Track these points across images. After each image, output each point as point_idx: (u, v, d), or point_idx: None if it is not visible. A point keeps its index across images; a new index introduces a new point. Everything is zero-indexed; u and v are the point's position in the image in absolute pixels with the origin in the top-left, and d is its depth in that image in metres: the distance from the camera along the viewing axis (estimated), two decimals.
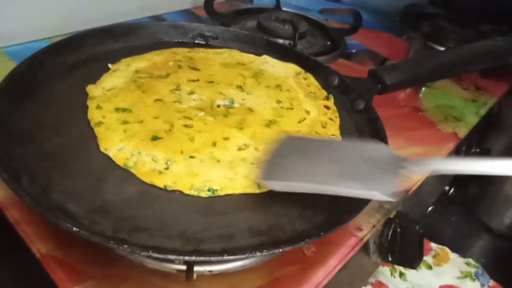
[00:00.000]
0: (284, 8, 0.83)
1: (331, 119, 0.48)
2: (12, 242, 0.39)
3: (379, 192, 0.32)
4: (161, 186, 0.37)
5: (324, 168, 0.36)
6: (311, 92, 0.51)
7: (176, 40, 0.59)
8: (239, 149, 0.41)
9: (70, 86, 0.46)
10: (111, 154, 0.39)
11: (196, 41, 0.60)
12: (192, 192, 0.37)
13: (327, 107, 0.49)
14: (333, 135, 0.45)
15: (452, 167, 0.35)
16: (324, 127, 0.46)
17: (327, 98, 0.51)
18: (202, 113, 0.45)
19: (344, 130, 0.48)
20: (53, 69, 0.47)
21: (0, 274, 0.43)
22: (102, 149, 0.39)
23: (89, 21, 0.60)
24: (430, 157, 0.40)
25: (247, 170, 0.39)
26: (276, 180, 0.36)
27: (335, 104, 0.51)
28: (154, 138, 0.41)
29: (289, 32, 0.72)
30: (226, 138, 0.42)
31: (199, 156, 0.39)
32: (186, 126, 0.43)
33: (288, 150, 0.38)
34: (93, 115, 0.43)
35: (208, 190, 0.37)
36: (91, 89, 0.46)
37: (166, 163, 0.38)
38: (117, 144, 0.40)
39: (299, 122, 0.46)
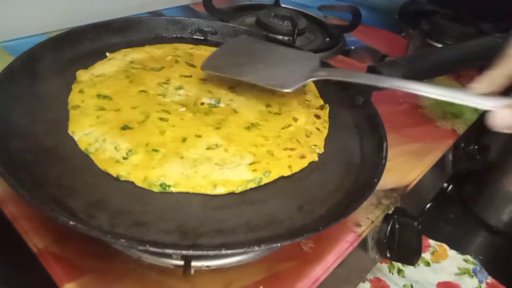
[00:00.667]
0: (283, 5, 0.83)
1: (318, 129, 0.46)
2: (9, 238, 0.39)
3: (285, 88, 0.43)
4: (114, 175, 0.36)
5: (255, 66, 0.45)
6: (306, 100, 0.50)
7: (174, 35, 0.59)
8: (208, 148, 0.40)
9: (68, 81, 0.46)
10: (76, 137, 0.39)
11: (195, 37, 0.60)
12: (143, 185, 0.36)
13: (317, 116, 0.48)
14: (315, 145, 0.44)
15: (348, 78, 0.44)
16: (308, 137, 0.44)
17: (322, 108, 0.49)
18: (183, 109, 0.44)
19: (342, 127, 0.48)
20: (51, 64, 0.47)
21: None
22: (69, 131, 0.39)
23: (88, 17, 0.59)
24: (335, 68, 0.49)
25: (209, 170, 0.38)
26: (212, 71, 0.46)
27: (331, 112, 0.49)
28: (124, 128, 0.40)
29: (288, 29, 0.72)
30: (198, 136, 0.41)
31: (164, 150, 0.39)
32: (161, 119, 0.42)
33: (237, 48, 0.48)
34: (73, 98, 0.43)
35: (161, 185, 0.36)
36: (80, 74, 0.47)
37: (127, 153, 0.38)
38: (85, 129, 0.40)
39: (283, 128, 0.45)
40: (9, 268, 0.43)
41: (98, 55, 0.50)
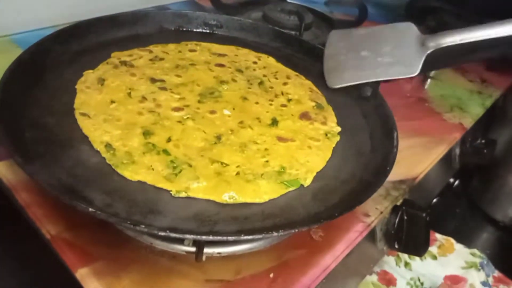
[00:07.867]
0: (289, 0, 0.83)
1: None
2: (18, 231, 0.39)
3: (406, 75, 0.44)
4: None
5: (368, 60, 0.46)
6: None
7: (180, 29, 0.59)
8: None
9: (75, 73, 0.46)
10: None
11: (201, 30, 0.60)
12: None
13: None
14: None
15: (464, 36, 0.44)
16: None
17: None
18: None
19: (351, 118, 0.48)
20: (59, 57, 0.47)
21: (6, 262, 0.44)
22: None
23: (95, 10, 0.59)
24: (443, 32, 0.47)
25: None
26: (341, 84, 0.46)
27: (339, 103, 0.49)
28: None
29: (295, 23, 0.72)
30: None
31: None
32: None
33: (337, 49, 0.48)
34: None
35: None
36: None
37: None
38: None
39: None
40: (18, 261, 0.43)
41: (104, 49, 0.51)
